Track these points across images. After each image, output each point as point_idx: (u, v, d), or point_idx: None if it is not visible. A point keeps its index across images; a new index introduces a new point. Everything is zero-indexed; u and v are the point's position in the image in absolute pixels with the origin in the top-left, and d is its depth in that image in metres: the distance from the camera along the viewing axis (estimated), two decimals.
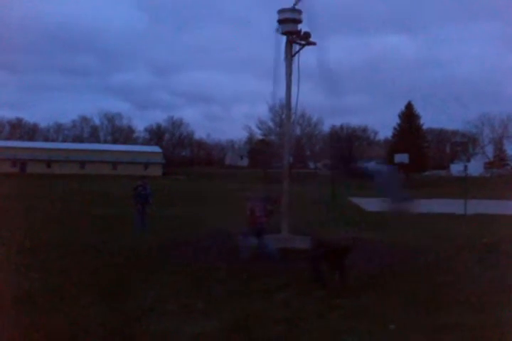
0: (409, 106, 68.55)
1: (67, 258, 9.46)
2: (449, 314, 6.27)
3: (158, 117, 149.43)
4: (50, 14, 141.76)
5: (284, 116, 14.52)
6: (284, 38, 11.82)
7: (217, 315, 6.07)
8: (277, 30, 11.56)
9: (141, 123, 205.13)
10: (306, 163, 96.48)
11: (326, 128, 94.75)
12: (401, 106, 69.79)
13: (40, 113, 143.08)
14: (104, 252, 10.26)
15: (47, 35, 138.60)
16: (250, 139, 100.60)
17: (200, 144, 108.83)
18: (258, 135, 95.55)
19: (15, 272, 8.14)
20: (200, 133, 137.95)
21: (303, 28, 11.60)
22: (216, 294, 7.06)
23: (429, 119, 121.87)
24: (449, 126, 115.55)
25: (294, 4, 11.26)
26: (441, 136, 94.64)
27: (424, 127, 71.33)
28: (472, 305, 6.68)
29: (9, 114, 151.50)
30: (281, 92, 12.01)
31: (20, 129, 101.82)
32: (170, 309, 6.29)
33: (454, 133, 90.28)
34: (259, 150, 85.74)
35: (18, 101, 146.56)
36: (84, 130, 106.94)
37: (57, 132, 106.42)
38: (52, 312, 6.02)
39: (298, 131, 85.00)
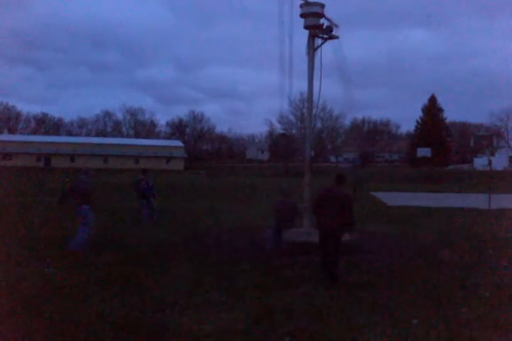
0: (432, 100, 67.73)
1: (88, 252, 9.60)
2: (471, 308, 6.23)
3: (180, 112, 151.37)
4: (76, 11, 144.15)
5: (305, 110, 14.50)
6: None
7: (240, 308, 6.14)
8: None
9: (163, 118, 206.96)
10: (328, 157, 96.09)
11: (347, 121, 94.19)
12: (424, 100, 69.04)
13: (66, 108, 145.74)
14: (125, 246, 10.41)
15: (73, 32, 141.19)
16: (271, 133, 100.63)
17: (222, 138, 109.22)
18: (279, 129, 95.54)
19: (32, 266, 8.35)
20: (221, 128, 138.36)
21: (325, 22, 11.55)
22: (238, 287, 7.14)
23: (453, 113, 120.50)
24: (473, 119, 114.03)
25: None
26: (465, 129, 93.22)
27: (448, 120, 70.48)
28: (495, 300, 6.62)
29: (35, 109, 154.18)
30: (304, 86, 12.00)
31: (45, 124, 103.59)
32: (192, 302, 6.37)
33: (478, 126, 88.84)
34: (280, 144, 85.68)
35: (44, 97, 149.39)
36: (108, 124, 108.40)
37: (81, 127, 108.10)
38: (74, 306, 6.17)
39: (319, 124, 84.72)
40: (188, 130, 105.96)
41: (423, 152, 57.73)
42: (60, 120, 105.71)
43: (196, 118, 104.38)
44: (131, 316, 5.77)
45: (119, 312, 5.91)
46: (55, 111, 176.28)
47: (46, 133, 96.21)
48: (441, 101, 68.84)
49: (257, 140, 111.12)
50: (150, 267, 8.39)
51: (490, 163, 31.38)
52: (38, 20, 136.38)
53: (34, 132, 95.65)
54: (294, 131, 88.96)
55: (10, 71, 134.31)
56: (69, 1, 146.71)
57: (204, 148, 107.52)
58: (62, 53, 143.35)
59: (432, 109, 67.37)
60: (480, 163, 71.30)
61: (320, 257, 7.76)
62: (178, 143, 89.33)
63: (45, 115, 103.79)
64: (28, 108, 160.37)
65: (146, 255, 9.43)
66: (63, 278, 7.39)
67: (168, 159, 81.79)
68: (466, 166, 75.33)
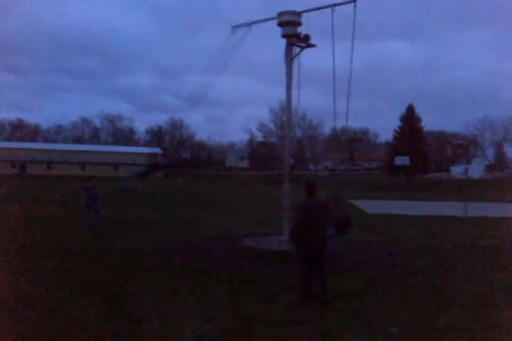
0: (410, 109, 68.59)
1: (65, 260, 9.44)
2: (448, 316, 6.26)
3: (160, 120, 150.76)
4: (56, 18, 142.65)
5: (284, 118, 14.58)
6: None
7: (218, 317, 6.07)
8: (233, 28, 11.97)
9: (143, 125, 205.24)
10: (307, 165, 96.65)
11: (326, 130, 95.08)
12: (402, 110, 69.90)
13: (43, 115, 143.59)
14: (103, 254, 10.25)
15: (53, 39, 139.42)
16: (251, 141, 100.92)
17: (201, 146, 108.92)
18: (259, 137, 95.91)
19: (14, 274, 8.15)
20: (200, 136, 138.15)
21: (304, 31, 11.70)
22: (217, 297, 7.06)
23: (430, 122, 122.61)
24: (450, 128, 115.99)
25: None
26: (442, 138, 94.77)
27: (425, 129, 71.38)
28: (471, 307, 6.68)
29: (11, 116, 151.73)
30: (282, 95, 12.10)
31: (21, 131, 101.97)
32: (170, 312, 6.28)
33: (455, 135, 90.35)
34: (260, 152, 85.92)
35: (21, 104, 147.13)
36: (85, 131, 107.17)
37: (58, 133, 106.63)
38: (52, 314, 6.02)
39: (299, 133, 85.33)
40: (167, 137, 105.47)
41: (401, 160, 58.52)
42: (36, 126, 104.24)
43: (176, 125, 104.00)
44: (107, 325, 5.65)
45: (94, 322, 5.78)
46: (32, 118, 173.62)
47: (22, 139, 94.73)
48: (418, 110, 69.72)
49: (236, 148, 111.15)
50: (126, 276, 8.26)
51: (466, 171, 31.92)
52: (18, 25, 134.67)
53: (9, 138, 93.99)
54: (273, 140, 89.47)
55: None
56: (50, 8, 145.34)
57: (183, 156, 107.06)
58: (40, 59, 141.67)
59: (410, 119, 68.21)
60: (457, 171, 72.38)
61: (306, 274, 7.00)
62: (157, 150, 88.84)
63: (21, 121, 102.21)
64: (4, 114, 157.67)
65: (122, 264, 9.29)
66: (39, 286, 7.22)
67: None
68: (443, 175, 76.39)
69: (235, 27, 11.98)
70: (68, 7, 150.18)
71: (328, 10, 11.26)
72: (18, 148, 76.54)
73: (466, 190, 23.28)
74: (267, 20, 11.81)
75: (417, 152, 62.97)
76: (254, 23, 11.91)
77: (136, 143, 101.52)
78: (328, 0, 11.31)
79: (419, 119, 68.49)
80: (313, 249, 6.85)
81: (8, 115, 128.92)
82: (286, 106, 12.26)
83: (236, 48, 11.91)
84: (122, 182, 14.90)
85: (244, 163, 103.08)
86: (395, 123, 72.03)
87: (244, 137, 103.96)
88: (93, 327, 5.58)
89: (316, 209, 6.93)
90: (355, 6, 11.06)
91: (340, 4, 11.25)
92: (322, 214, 6.96)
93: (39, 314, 6.01)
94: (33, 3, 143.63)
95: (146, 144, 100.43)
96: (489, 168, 76.91)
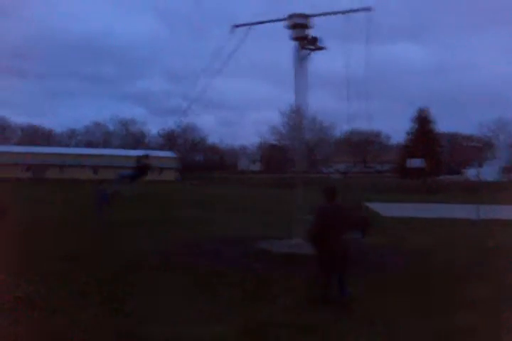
0: (422, 111, 68.17)
1: (72, 262, 9.51)
2: (457, 318, 6.20)
3: (172, 123, 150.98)
4: (69, 23, 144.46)
5: (295, 121, 14.55)
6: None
7: (227, 319, 6.06)
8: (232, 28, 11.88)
9: (155, 128, 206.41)
10: (318, 168, 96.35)
11: (337, 133, 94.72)
12: (414, 112, 69.45)
13: (57, 119, 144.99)
14: (112, 255, 10.31)
15: (67, 44, 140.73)
16: (262, 144, 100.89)
17: (213, 149, 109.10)
18: (270, 140, 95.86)
19: (17, 277, 8.21)
20: (213, 139, 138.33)
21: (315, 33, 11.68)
22: (228, 299, 7.04)
23: (443, 124, 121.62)
24: (464, 130, 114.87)
25: None
26: (456, 140, 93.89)
27: (438, 131, 70.83)
28: (480, 309, 6.59)
29: (25, 120, 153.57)
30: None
31: (35, 135, 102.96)
32: (181, 313, 6.28)
33: (469, 137, 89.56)
34: (272, 155, 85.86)
35: (35, 108, 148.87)
36: (97, 135, 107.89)
37: (71, 138, 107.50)
38: (59, 314, 6.05)
39: (309, 135, 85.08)
40: (179, 141, 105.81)
41: (415, 163, 58.07)
42: (50, 131, 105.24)
43: (188, 128, 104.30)
44: (115, 326, 5.65)
45: (104, 322, 5.80)
46: (45, 123, 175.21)
47: (36, 144, 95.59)
48: (431, 112, 69.25)
49: (248, 151, 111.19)
50: (139, 277, 8.28)
51: (479, 173, 31.62)
52: (31, 31, 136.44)
53: (21, 143, 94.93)
54: (285, 143, 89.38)
55: (1, 82, 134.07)
56: (62, 13, 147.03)
57: (196, 159, 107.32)
58: (54, 64, 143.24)
59: (423, 121, 67.76)
60: (471, 173, 71.67)
61: (323, 279, 6.93)
62: (171, 154, 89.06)
63: (34, 126, 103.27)
64: (19, 119, 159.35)
65: (135, 265, 9.31)
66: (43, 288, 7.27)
67: (161, 170, 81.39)
68: (455, 177, 75.69)
69: (236, 26, 11.93)
70: (82, 13, 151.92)
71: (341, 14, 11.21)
72: (32, 153, 77.24)
73: (479, 192, 23.02)
74: (273, 21, 11.74)
75: (430, 154, 62.49)
76: (260, 23, 11.78)
77: (148, 147, 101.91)
78: (340, 3, 11.28)
79: (431, 121, 68.04)
80: (334, 252, 6.76)
81: (22, 119, 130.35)
82: (297, 109, 12.24)
83: (237, 48, 11.85)
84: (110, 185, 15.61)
85: (256, 166, 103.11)
86: (408, 125, 71.64)
87: (256, 140, 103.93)
88: (100, 329, 5.60)
89: (337, 213, 6.88)
90: (369, 14, 11.09)
91: (355, 11, 11.21)
92: (343, 218, 6.91)
93: (44, 314, 6.05)
94: (48, 9, 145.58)
95: (159, 148, 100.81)
96: (506, 170, 75.99)
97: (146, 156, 15.30)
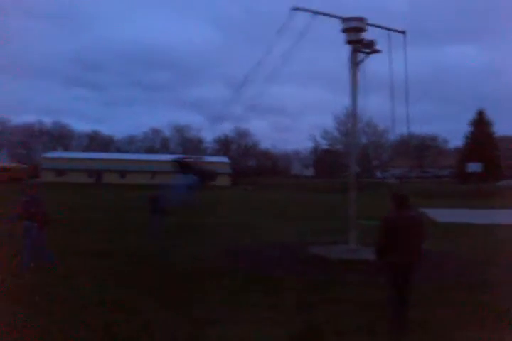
0: (480, 114, 65.77)
1: (133, 266, 9.81)
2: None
3: (226, 129, 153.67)
4: (127, 33, 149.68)
5: (349, 125, 14.47)
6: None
7: (284, 324, 6.11)
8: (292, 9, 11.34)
9: (211, 135, 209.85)
10: (373, 173, 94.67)
11: (392, 137, 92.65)
12: (472, 115, 67.12)
13: (117, 126, 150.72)
14: (170, 261, 10.53)
15: (127, 54, 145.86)
16: (315, 149, 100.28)
17: (266, 154, 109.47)
18: (323, 145, 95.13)
19: (84, 276, 8.60)
20: (265, 144, 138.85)
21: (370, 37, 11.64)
22: (284, 303, 7.11)
23: (504, 127, 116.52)
24: None
25: None
26: None
27: (498, 135, 68.05)
28: None
29: (87, 128, 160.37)
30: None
31: (96, 141, 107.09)
32: (236, 317, 6.39)
33: None
34: (325, 160, 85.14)
35: (97, 116, 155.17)
36: (156, 141, 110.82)
37: (130, 144, 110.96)
38: (123, 317, 6.31)
39: (364, 139, 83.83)
40: (233, 146, 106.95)
41: (473, 167, 55.95)
42: (110, 137, 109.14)
43: (241, 134, 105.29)
44: (176, 329, 5.84)
45: (166, 325, 6.00)
46: (106, 130, 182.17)
47: (97, 150, 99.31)
48: (490, 115, 66.67)
49: (301, 155, 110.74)
50: (194, 282, 8.47)
51: None
52: (93, 43, 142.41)
53: (86, 149, 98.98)
54: (339, 147, 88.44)
55: (66, 91, 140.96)
56: (122, 25, 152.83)
57: (249, 164, 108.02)
58: (114, 74, 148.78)
59: (481, 124, 65.35)
60: None
61: (391, 298, 6.02)
62: (224, 159, 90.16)
63: (96, 133, 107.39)
64: (81, 126, 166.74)
65: (189, 270, 9.52)
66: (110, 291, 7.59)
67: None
68: None
69: (295, 10, 11.32)
70: (138, 23, 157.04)
71: (392, 16, 11.18)
72: (94, 159, 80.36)
73: None
74: (330, 16, 11.54)
75: (489, 158, 60.14)
76: (319, 13, 11.38)
77: (204, 152, 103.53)
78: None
79: (490, 124, 65.49)
80: (404, 269, 5.95)
81: (85, 127, 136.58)
82: (352, 113, 12.18)
83: (300, 36, 11.53)
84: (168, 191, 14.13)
85: (309, 171, 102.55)
86: (466, 128, 69.34)
87: (309, 145, 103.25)
88: (162, 331, 5.80)
89: (408, 224, 5.97)
90: (405, 37, 11.74)
91: (392, 30, 11.83)
92: (416, 230, 6.05)
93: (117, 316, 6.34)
94: (107, 22, 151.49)
95: (214, 153, 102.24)
96: None
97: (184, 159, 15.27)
